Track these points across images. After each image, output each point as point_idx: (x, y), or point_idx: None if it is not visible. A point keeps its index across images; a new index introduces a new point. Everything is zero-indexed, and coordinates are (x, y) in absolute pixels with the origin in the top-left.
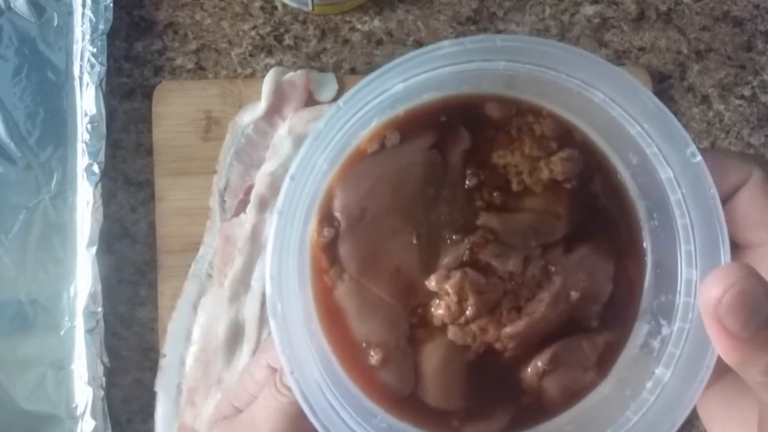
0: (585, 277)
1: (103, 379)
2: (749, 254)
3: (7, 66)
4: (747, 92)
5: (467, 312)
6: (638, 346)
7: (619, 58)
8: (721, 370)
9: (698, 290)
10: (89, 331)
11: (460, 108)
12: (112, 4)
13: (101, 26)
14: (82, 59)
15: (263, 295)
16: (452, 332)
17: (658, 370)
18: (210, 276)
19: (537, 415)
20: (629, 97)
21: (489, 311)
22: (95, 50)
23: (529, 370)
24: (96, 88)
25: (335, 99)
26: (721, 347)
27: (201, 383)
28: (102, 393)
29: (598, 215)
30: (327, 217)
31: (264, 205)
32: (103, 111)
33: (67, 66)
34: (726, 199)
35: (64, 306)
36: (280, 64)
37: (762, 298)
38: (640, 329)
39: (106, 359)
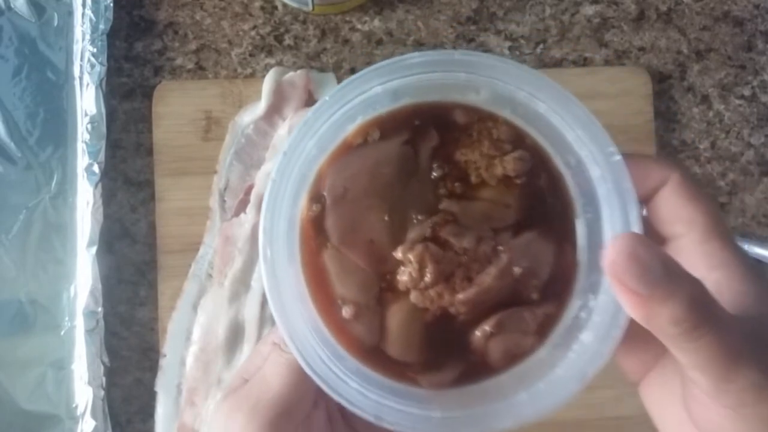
0: (528, 257)
1: (104, 379)
2: (672, 245)
3: (7, 66)
4: (747, 92)
5: (426, 279)
6: (571, 318)
7: (619, 58)
8: (657, 355)
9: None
10: (89, 331)
11: (431, 112)
12: (112, 4)
13: (101, 26)
14: (82, 59)
15: (263, 295)
16: (414, 296)
17: (583, 335)
18: (210, 276)
19: (482, 371)
20: (566, 107)
21: (445, 279)
22: (95, 50)
23: (477, 332)
24: (96, 88)
25: None
26: (628, 306)
27: (201, 383)
28: (102, 393)
29: (543, 206)
30: (316, 195)
31: None
32: (103, 111)
33: (67, 66)
34: (649, 198)
35: (64, 306)
36: (280, 64)
37: (652, 258)
38: (575, 304)
39: (106, 359)
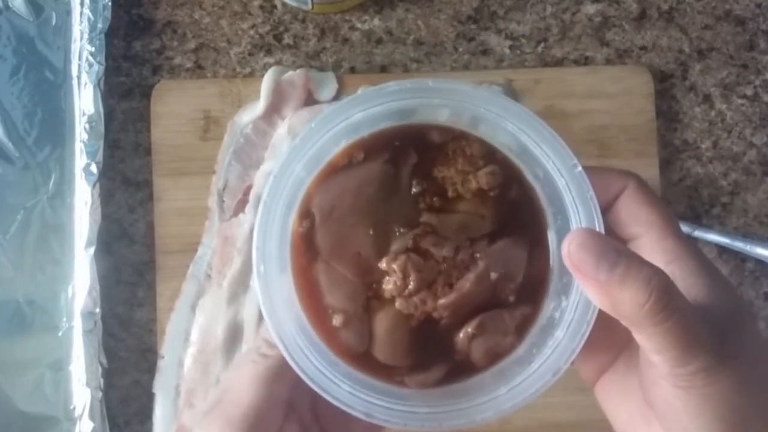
0: (504, 262)
1: (101, 380)
2: (632, 245)
3: (5, 65)
4: (749, 91)
5: (410, 286)
6: (546, 317)
7: (621, 57)
8: (611, 358)
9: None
10: (87, 332)
11: (409, 133)
12: (110, 3)
13: (99, 25)
14: (80, 58)
15: None
16: (399, 303)
17: (556, 333)
18: (209, 277)
19: (466, 370)
20: (530, 126)
21: (427, 286)
22: (93, 49)
23: (460, 334)
24: (94, 87)
25: (335, 98)
26: (592, 295)
27: (199, 384)
28: (100, 394)
29: (515, 216)
30: (305, 213)
31: None
32: (102, 110)
33: (66, 65)
34: (610, 204)
35: (62, 307)
36: (279, 63)
37: (603, 246)
38: (549, 305)
39: (104, 360)
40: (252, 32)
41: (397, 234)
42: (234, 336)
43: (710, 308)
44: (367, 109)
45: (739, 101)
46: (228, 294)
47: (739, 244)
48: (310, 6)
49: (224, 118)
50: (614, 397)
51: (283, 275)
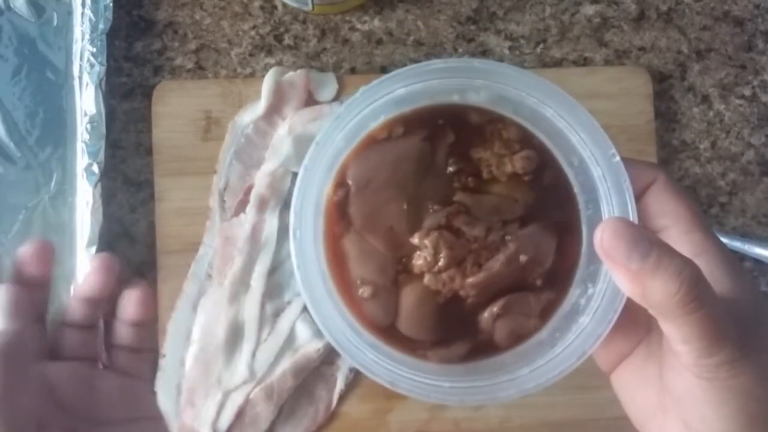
0: (533, 246)
1: None
2: (661, 236)
3: (7, 66)
4: (747, 92)
5: (440, 263)
6: (571, 304)
7: (620, 57)
8: (631, 345)
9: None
10: None
11: (448, 113)
12: (111, 4)
13: (101, 26)
14: (81, 59)
15: (263, 295)
16: (428, 279)
17: (581, 319)
18: (210, 276)
19: (488, 349)
20: (570, 112)
21: (457, 264)
22: (95, 50)
23: (485, 314)
24: (95, 87)
25: (335, 99)
26: (623, 283)
27: (201, 383)
28: None
29: (548, 202)
30: (341, 182)
31: (264, 205)
32: (103, 111)
33: (67, 66)
34: (640, 196)
35: (63, 306)
36: (279, 63)
37: (637, 235)
38: (575, 292)
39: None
40: (253, 33)
41: (431, 211)
42: (235, 335)
43: (734, 302)
44: (410, 84)
45: (738, 102)
46: (229, 293)
47: (737, 244)
48: (310, 7)
49: (225, 119)
50: (632, 385)
51: (315, 243)
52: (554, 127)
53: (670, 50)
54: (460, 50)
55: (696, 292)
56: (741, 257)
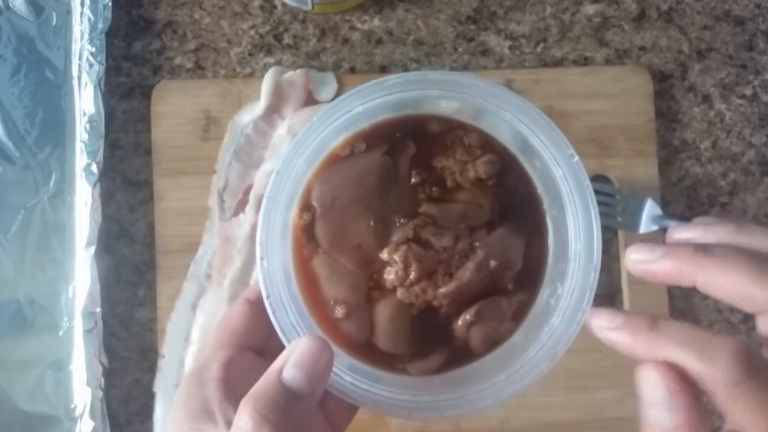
0: (502, 251)
1: (102, 379)
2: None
3: (6, 65)
4: (748, 92)
5: (411, 276)
6: (542, 304)
7: (620, 57)
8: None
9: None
10: (88, 332)
11: (408, 125)
12: (110, 3)
13: (100, 25)
14: (80, 58)
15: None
16: (400, 293)
17: (552, 319)
18: (209, 276)
19: (465, 357)
20: (529, 116)
21: (428, 276)
22: (94, 49)
23: (459, 322)
24: (95, 87)
25: (335, 98)
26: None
27: None
28: (101, 394)
29: (513, 205)
30: (306, 205)
31: None
32: (102, 110)
33: (66, 65)
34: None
35: (62, 306)
36: (279, 63)
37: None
38: (544, 292)
39: (104, 360)
40: (252, 32)
41: (398, 224)
42: None
43: None
44: (368, 102)
45: (738, 101)
46: (228, 294)
47: None
48: (310, 6)
49: (224, 118)
50: None
51: (285, 269)
52: (514, 130)
53: (671, 50)
54: (460, 50)
55: (750, 369)
56: None
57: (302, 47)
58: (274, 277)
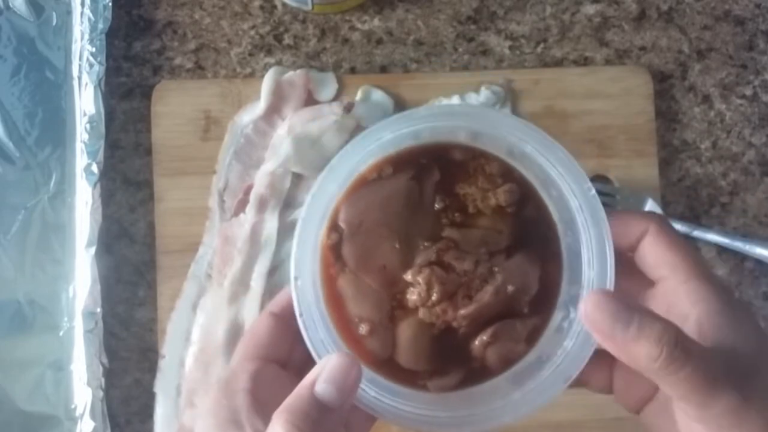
0: (519, 276)
1: (102, 379)
2: (659, 286)
3: (6, 66)
4: (748, 92)
5: (433, 298)
6: (555, 328)
7: (620, 57)
8: (651, 389)
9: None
10: (88, 332)
11: (433, 152)
12: (111, 4)
13: (100, 25)
14: (80, 59)
15: (263, 295)
16: (422, 313)
17: (566, 342)
18: (209, 276)
19: (482, 375)
20: (548, 148)
21: (449, 298)
22: (94, 50)
23: (477, 342)
24: (95, 87)
25: (335, 98)
26: (612, 351)
27: (200, 384)
28: (101, 394)
29: (530, 232)
30: (334, 226)
31: (263, 205)
32: (102, 111)
33: (66, 65)
34: (633, 248)
35: (62, 306)
36: (279, 63)
37: (617, 306)
38: (558, 316)
39: (105, 360)
40: (252, 33)
41: (422, 248)
42: (235, 336)
43: (734, 350)
44: (397, 131)
45: (738, 101)
46: (229, 294)
47: (738, 244)
48: (310, 6)
49: (225, 119)
50: (658, 425)
51: (314, 287)
52: (534, 162)
53: (671, 50)
54: (461, 50)
55: (677, 353)
56: (742, 257)
57: (302, 47)
58: (307, 295)
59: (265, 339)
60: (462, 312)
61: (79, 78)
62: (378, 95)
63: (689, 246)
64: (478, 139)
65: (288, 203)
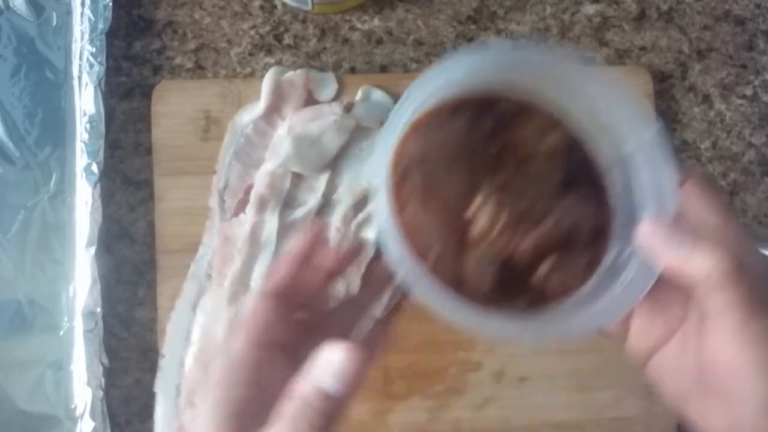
0: (576, 212)
1: (102, 379)
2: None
3: (6, 65)
4: (748, 92)
5: (496, 230)
6: (610, 260)
7: (620, 57)
8: (665, 335)
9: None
10: (88, 332)
11: (493, 97)
12: (111, 4)
13: (100, 25)
14: (81, 58)
15: None
16: (485, 245)
17: (624, 272)
18: (209, 276)
19: (543, 302)
20: (611, 88)
21: (511, 230)
22: (94, 49)
23: (537, 273)
24: (95, 87)
25: (335, 98)
26: (671, 262)
27: (200, 384)
28: (101, 394)
29: (584, 175)
30: (400, 159)
31: (263, 205)
32: (102, 110)
33: (66, 65)
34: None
35: (62, 306)
36: (279, 63)
37: (670, 229)
38: (612, 250)
39: (105, 360)
40: (252, 32)
41: (484, 183)
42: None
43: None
44: (467, 69)
45: (738, 101)
46: (229, 294)
47: None
48: (310, 6)
49: (225, 118)
50: (667, 374)
51: (390, 215)
52: (591, 105)
53: (671, 50)
54: (461, 50)
55: (733, 269)
56: None
57: (302, 47)
58: (382, 210)
59: (263, 324)
60: (523, 243)
61: (79, 78)
62: (378, 95)
63: (724, 200)
64: (540, 83)
65: (288, 203)
